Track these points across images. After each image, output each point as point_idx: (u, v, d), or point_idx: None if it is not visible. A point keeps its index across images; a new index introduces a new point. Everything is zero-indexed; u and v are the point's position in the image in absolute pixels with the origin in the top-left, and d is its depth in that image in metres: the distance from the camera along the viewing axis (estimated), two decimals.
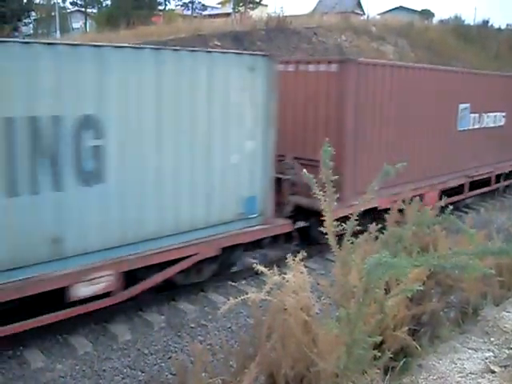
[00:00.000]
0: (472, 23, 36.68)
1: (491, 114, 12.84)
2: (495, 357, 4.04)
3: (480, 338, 4.42)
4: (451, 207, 3.57)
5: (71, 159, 5.60)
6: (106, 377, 5.46)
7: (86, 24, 41.72)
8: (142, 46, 6.64)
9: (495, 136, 12.91)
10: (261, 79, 7.31)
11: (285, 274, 3.63)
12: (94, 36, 21.97)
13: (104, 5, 42.25)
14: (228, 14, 34.85)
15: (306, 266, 3.76)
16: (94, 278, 5.83)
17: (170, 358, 5.76)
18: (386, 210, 5.20)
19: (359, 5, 48.37)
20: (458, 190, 11.84)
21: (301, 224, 8.88)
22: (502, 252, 2.77)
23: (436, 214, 4.37)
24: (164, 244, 6.51)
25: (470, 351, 4.16)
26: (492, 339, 4.37)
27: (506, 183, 14.21)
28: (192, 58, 6.57)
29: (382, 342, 3.58)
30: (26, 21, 35.43)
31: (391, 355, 3.42)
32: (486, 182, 13.03)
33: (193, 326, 6.55)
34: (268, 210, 7.71)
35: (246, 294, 3.57)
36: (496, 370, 3.79)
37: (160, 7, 42.31)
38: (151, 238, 6.40)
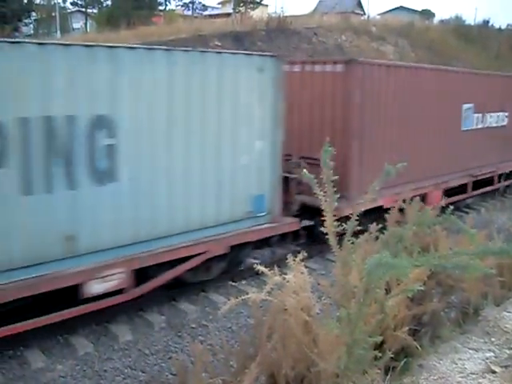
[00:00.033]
0: (473, 23, 36.81)
1: (494, 113, 12.90)
2: (496, 357, 4.04)
3: (481, 338, 4.42)
4: (452, 207, 3.57)
5: (85, 158, 5.67)
6: (106, 377, 5.45)
7: (86, 24, 41.73)
8: (153, 46, 6.68)
9: (498, 136, 12.98)
10: (269, 80, 7.37)
11: (285, 274, 3.63)
12: (95, 36, 21.98)
13: (104, 5, 42.29)
14: (228, 15, 34.84)
15: (306, 266, 3.76)
16: (106, 276, 5.90)
17: (170, 358, 5.76)
18: (392, 209, 5.21)
19: (359, 5, 48.36)
20: (462, 189, 11.90)
21: (306, 223, 8.91)
22: (502, 252, 2.77)
23: (437, 214, 4.36)
24: (174, 242, 6.58)
25: (470, 351, 4.16)
26: (493, 339, 4.37)
27: (507, 183, 14.23)
28: (202, 59, 6.64)
29: (382, 342, 3.58)
30: (27, 21, 35.49)
31: (392, 355, 3.42)
32: (488, 182, 13.08)
33: (193, 326, 6.55)
34: (276, 209, 7.78)
35: (247, 294, 3.57)
36: (497, 370, 3.78)
37: (160, 7, 42.36)
38: (162, 236, 6.47)
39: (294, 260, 3.65)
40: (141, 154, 6.14)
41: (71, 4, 43.88)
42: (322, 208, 3.20)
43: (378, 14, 39.29)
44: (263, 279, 3.84)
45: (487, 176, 12.83)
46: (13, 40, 5.49)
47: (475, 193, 12.52)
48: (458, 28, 33.41)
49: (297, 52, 20.78)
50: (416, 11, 46.85)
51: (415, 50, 27.04)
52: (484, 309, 4.96)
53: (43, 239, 5.49)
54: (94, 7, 43.54)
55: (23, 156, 5.25)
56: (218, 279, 7.64)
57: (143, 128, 6.12)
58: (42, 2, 39.25)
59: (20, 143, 5.21)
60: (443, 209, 3.88)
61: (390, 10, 48.67)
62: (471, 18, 64.72)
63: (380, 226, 4.27)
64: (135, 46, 6.70)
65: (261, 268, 3.63)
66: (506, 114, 13.51)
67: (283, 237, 8.05)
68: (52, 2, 38.30)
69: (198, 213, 6.81)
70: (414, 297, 3.85)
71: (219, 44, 19.15)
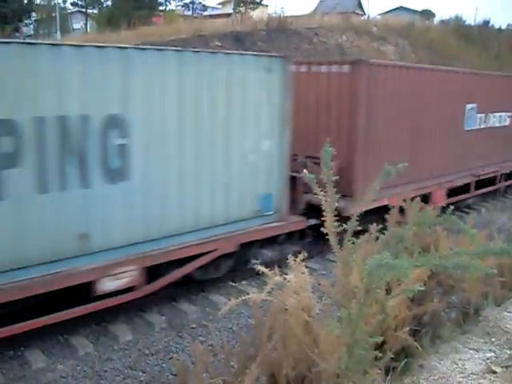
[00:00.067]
0: (473, 23, 36.78)
1: (497, 113, 12.95)
2: (496, 357, 4.04)
3: (481, 338, 4.42)
4: (452, 207, 3.57)
5: (98, 157, 5.73)
6: (107, 377, 5.45)
7: (86, 25, 41.75)
8: (164, 47, 6.73)
9: (500, 136, 13.04)
10: (277, 80, 7.43)
11: (286, 274, 3.63)
12: (95, 37, 21.97)
13: (104, 5, 42.33)
14: (229, 15, 34.84)
15: (307, 267, 3.76)
16: (118, 273, 5.96)
17: (171, 358, 5.76)
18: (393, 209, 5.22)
19: (360, 5, 48.40)
20: (465, 189, 11.95)
21: (312, 221, 8.93)
22: (503, 252, 2.76)
23: (437, 214, 4.37)
24: (185, 240, 6.63)
25: (471, 351, 4.16)
26: (493, 339, 4.37)
27: (507, 183, 14.25)
28: (212, 60, 6.69)
29: (383, 343, 3.58)
30: (27, 21, 35.55)
31: (392, 355, 3.42)
32: (490, 181, 13.13)
33: (194, 326, 6.55)
34: (283, 208, 7.85)
35: (247, 294, 3.57)
36: (497, 370, 3.78)
37: (160, 8, 42.38)
38: (173, 234, 6.54)
39: (295, 260, 3.65)
40: (152, 153, 6.20)
41: (71, 4, 43.94)
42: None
43: (379, 15, 39.29)
44: (264, 279, 3.84)
45: (490, 176, 12.88)
46: (29, 41, 5.58)
47: (477, 192, 12.56)
48: (458, 28, 33.41)
49: (297, 52, 20.77)
50: (416, 11, 46.86)
51: (415, 50, 27.05)
52: (484, 309, 4.96)
53: (57, 237, 5.55)
54: (94, 8, 43.57)
55: (38, 155, 5.30)
56: (218, 279, 7.65)
57: (155, 128, 6.19)
58: (42, 3, 39.28)
59: (35, 142, 5.27)
60: (444, 209, 3.89)
61: (391, 11, 48.68)
62: (471, 18, 64.64)
63: (380, 226, 4.27)
64: (147, 46, 6.75)
65: (261, 268, 3.63)
66: (508, 114, 13.57)
67: (290, 235, 8.11)
68: (52, 3, 38.29)
69: (207, 211, 6.89)
70: (414, 297, 3.84)
71: (219, 44, 19.15)
